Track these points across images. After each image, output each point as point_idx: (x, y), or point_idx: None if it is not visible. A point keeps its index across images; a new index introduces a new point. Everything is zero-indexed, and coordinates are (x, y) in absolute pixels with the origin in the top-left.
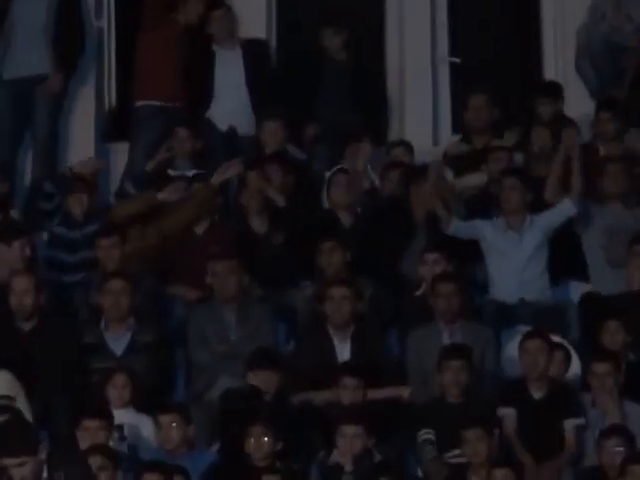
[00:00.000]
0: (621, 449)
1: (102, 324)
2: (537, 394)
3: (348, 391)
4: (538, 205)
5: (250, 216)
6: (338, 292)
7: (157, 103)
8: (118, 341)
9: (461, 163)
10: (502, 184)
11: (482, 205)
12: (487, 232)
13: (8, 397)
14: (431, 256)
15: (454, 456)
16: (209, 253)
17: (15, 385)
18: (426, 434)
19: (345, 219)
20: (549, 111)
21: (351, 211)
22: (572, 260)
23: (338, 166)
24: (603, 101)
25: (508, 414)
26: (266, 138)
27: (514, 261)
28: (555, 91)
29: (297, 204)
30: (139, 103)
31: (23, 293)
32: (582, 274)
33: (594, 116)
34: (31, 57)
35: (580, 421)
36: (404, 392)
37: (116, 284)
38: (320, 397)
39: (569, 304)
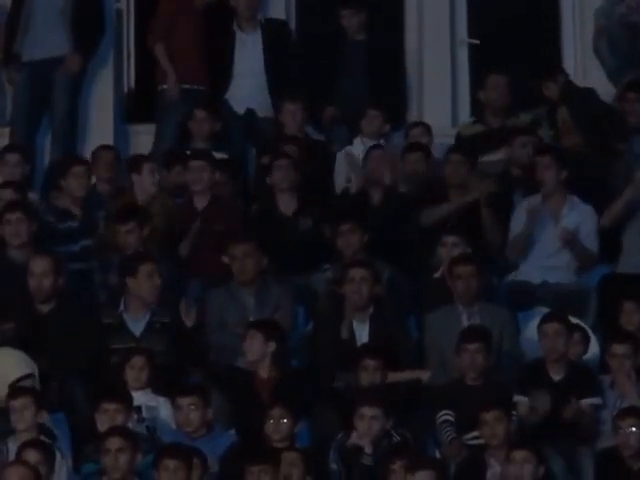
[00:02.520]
0: (636, 430)
1: (122, 305)
2: (556, 376)
3: (368, 372)
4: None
5: (278, 197)
6: (358, 273)
7: (181, 86)
8: (137, 322)
9: (478, 144)
10: (537, 163)
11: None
12: (522, 213)
13: (32, 375)
14: (450, 239)
15: (473, 437)
16: (211, 230)
17: (31, 363)
18: (445, 415)
19: (375, 196)
20: (555, 91)
21: (383, 190)
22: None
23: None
24: (631, 81)
25: (521, 401)
26: (285, 120)
27: (544, 244)
28: (553, 72)
29: (316, 186)
30: (163, 86)
31: (42, 275)
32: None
33: (619, 95)
34: (50, 38)
35: (596, 400)
36: (424, 375)
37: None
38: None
39: (590, 287)
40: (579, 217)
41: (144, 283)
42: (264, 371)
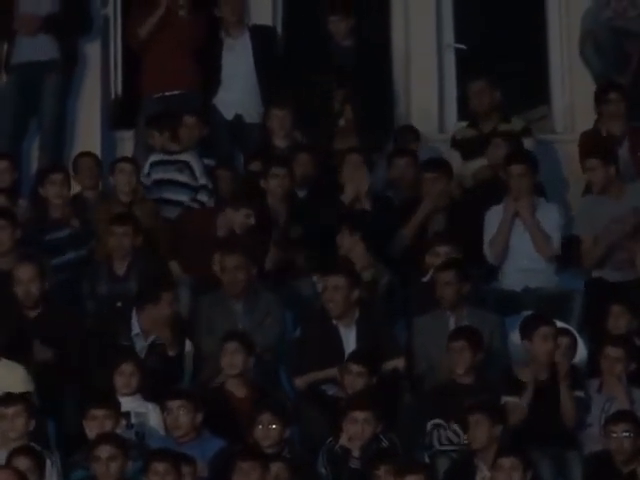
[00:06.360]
0: (629, 434)
1: (136, 328)
2: (542, 376)
3: (353, 377)
4: None
5: (270, 203)
6: (330, 282)
7: (157, 95)
8: (145, 342)
9: (469, 148)
10: (509, 171)
11: (492, 191)
12: (494, 220)
13: (28, 393)
14: (443, 249)
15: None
16: (207, 236)
17: (29, 380)
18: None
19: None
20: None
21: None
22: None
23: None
24: (609, 83)
25: (512, 402)
26: (274, 126)
27: (518, 248)
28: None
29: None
30: (143, 97)
31: (29, 281)
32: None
33: (600, 98)
34: (37, 43)
35: (579, 394)
36: (399, 363)
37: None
38: (324, 375)
39: (574, 291)
40: (541, 212)
41: (166, 310)
42: (240, 389)
